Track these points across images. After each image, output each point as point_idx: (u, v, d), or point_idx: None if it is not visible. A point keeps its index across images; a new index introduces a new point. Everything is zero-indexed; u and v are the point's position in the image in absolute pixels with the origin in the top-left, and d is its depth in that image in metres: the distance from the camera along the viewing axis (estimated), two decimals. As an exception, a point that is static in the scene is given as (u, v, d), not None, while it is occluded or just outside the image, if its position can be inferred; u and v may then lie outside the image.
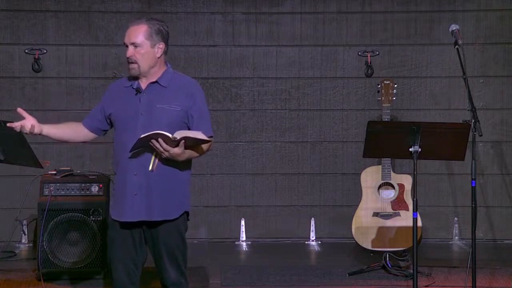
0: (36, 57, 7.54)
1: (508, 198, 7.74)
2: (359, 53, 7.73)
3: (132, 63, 4.40)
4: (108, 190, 6.38)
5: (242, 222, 7.73)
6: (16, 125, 4.38)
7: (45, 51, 7.57)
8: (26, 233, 7.42)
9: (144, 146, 4.30)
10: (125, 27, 7.64)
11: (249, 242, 7.70)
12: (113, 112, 4.46)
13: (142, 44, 4.39)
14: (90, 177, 6.31)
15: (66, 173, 6.35)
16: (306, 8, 7.74)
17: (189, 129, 4.40)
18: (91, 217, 6.16)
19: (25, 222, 7.38)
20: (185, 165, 4.45)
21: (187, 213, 4.53)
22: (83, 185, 6.28)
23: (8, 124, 4.40)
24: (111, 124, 4.53)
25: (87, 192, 6.27)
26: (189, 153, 4.36)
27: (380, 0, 7.73)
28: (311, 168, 7.78)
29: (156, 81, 4.44)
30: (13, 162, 4.86)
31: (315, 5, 7.74)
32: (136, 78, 4.46)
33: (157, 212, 4.39)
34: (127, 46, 4.42)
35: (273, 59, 7.76)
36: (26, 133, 4.41)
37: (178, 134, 4.25)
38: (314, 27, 7.76)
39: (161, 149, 4.26)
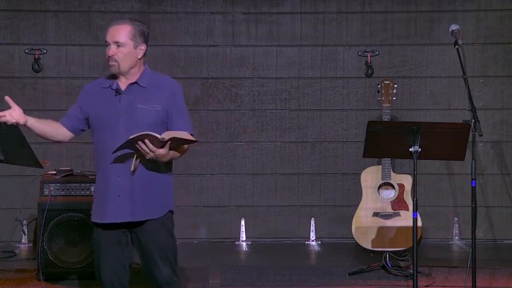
0: (36, 57, 7.54)
1: (508, 198, 7.74)
2: (359, 53, 7.73)
3: (113, 61, 4.37)
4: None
5: (242, 222, 7.73)
6: (2, 114, 4.30)
7: (45, 51, 7.57)
8: (26, 233, 7.42)
9: (129, 147, 4.28)
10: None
11: (249, 242, 7.70)
12: (92, 112, 4.44)
13: (125, 44, 4.37)
14: (90, 177, 6.30)
15: (66, 173, 6.35)
16: (306, 8, 7.74)
17: (167, 128, 4.39)
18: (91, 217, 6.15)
19: (25, 222, 7.38)
20: (167, 165, 4.44)
21: (171, 212, 4.51)
22: (83, 185, 6.28)
23: None
24: (88, 125, 4.52)
25: (87, 192, 6.27)
26: (172, 153, 4.35)
27: (380, 0, 7.73)
28: (311, 168, 7.78)
29: (135, 82, 4.42)
30: (13, 162, 4.85)
31: (315, 5, 7.74)
32: (114, 78, 4.44)
33: (141, 213, 4.37)
34: (108, 45, 4.39)
35: (273, 59, 7.76)
36: (9, 123, 4.32)
37: (166, 135, 4.24)
38: (314, 27, 7.76)
39: (147, 150, 4.24)
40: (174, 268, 4.47)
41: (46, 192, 6.21)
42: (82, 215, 6.16)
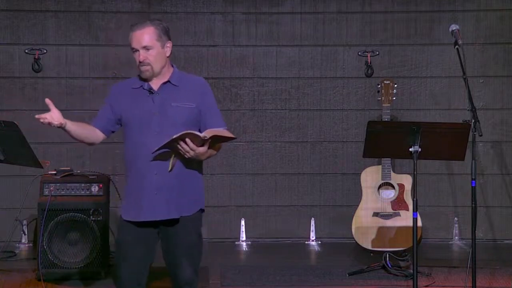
0: (36, 57, 7.54)
1: (508, 198, 7.74)
2: (359, 53, 7.73)
3: (146, 65, 4.40)
4: (108, 190, 6.38)
5: (242, 222, 7.73)
6: (44, 116, 4.33)
7: (45, 51, 7.57)
8: (26, 233, 7.42)
9: (169, 147, 4.29)
10: (125, 27, 7.71)
11: (249, 242, 7.70)
12: (124, 113, 4.44)
13: (153, 46, 4.41)
14: (90, 177, 6.31)
15: (66, 173, 6.35)
16: (306, 8, 7.74)
17: (200, 126, 4.43)
18: (91, 217, 6.16)
19: (25, 222, 7.39)
20: (199, 164, 4.48)
21: (202, 210, 4.57)
22: (83, 185, 6.28)
23: (36, 116, 4.29)
24: (120, 125, 4.52)
25: (87, 192, 6.27)
26: (210, 151, 4.38)
27: (380, 0, 7.73)
28: (311, 168, 7.78)
29: (168, 81, 4.46)
30: (13, 162, 4.86)
31: (315, 5, 7.75)
32: (145, 79, 4.46)
33: (176, 210, 4.40)
34: (135, 51, 4.42)
35: (273, 59, 7.76)
36: (51, 126, 4.33)
37: (207, 133, 4.26)
38: (314, 27, 7.76)
39: (187, 149, 4.26)
40: (197, 269, 4.49)
41: (46, 192, 6.21)
42: (82, 215, 6.16)
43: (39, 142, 7.40)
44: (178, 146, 4.27)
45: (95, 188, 6.27)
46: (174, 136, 4.23)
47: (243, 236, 7.72)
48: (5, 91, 7.58)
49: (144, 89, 4.45)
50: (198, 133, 4.25)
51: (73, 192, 6.25)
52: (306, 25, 7.75)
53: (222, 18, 7.73)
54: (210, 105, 4.51)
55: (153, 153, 4.31)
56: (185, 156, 4.31)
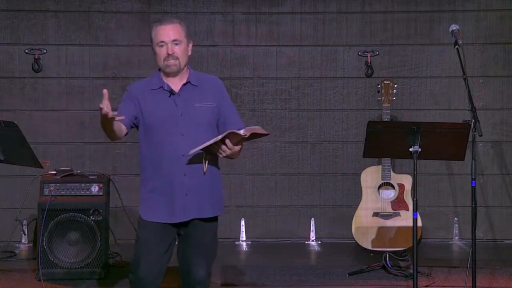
0: (36, 57, 7.54)
1: (508, 198, 7.74)
2: (359, 53, 7.73)
3: (174, 59, 4.40)
4: (108, 190, 6.38)
5: (242, 222, 7.73)
6: (107, 110, 4.11)
7: (45, 51, 7.57)
8: (26, 233, 7.42)
9: (205, 149, 4.30)
10: (125, 27, 7.73)
11: (249, 242, 7.70)
12: (146, 115, 4.41)
13: (182, 41, 4.44)
14: (90, 177, 6.31)
15: (66, 173, 6.35)
16: (306, 8, 7.74)
17: (218, 125, 4.47)
18: (91, 217, 6.16)
19: (25, 222, 7.38)
20: (218, 163, 4.52)
21: None
22: (83, 185, 6.28)
23: (100, 105, 4.07)
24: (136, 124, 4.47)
25: (87, 192, 6.27)
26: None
27: (380, 0, 7.73)
28: (311, 168, 7.78)
29: (188, 81, 4.46)
30: (13, 162, 4.86)
31: (315, 5, 7.74)
32: (165, 77, 4.43)
33: (208, 209, 4.43)
34: (161, 46, 4.40)
35: (273, 59, 7.76)
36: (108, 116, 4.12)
37: (247, 131, 4.29)
38: (314, 27, 7.76)
39: (225, 148, 4.29)
40: (210, 269, 4.51)
41: (46, 192, 6.21)
42: (82, 215, 6.16)
43: (39, 142, 7.40)
44: (217, 146, 4.28)
45: (95, 188, 6.27)
46: (219, 137, 4.26)
47: (243, 236, 7.72)
48: (5, 91, 7.58)
49: (164, 90, 4.43)
50: (239, 131, 4.27)
51: (73, 192, 6.25)
52: (306, 25, 7.75)
53: (222, 18, 7.73)
54: (228, 103, 4.56)
55: (189, 156, 4.31)
56: (221, 155, 4.34)
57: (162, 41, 4.41)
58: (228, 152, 4.32)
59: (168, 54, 4.40)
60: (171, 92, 4.43)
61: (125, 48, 7.56)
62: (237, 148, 4.34)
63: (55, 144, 7.57)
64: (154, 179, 4.42)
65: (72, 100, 7.63)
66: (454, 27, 5.43)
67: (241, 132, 4.27)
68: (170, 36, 4.41)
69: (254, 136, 4.36)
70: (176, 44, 4.42)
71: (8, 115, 7.33)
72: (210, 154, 4.37)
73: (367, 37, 7.75)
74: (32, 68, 7.55)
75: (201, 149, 4.30)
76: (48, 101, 7.60)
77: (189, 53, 4.51)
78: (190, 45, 4.53)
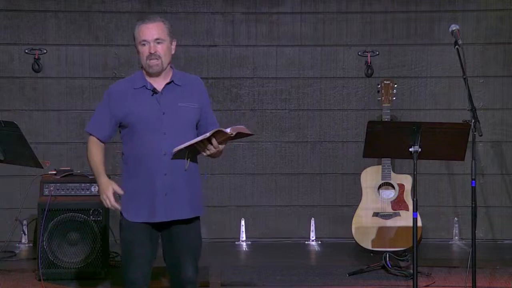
0: (36, 57, 7.54)
1: (508, 198, 7.74)
2: (359, 53, 7.73)
3: (156, 59, 4.36)
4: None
5: (242, 222, 7.73)
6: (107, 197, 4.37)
7: (45, 51, 7.57)
8: (26, 233, 7.42)
9: (192, 145, 4.30)
10: (125, 27, 7.72)
11: (249, 242, 7.70)
12: (127, 114, 4.39)
13: (165, 40, 4.39)
14: (90, 177, 6.30)
15: (66, 173, 6.35)
16: (306, 8, 7.74)
17: (197, 125, 4.46)
18: (91, 217, 6.16)
19: (25, 222, 7.39)
20: (197, 163, 4.50)
21: None
22: (83, 185, 6.29)
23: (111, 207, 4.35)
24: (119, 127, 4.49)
25: (87, 192, 6.27)
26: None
27: (380, 0, 7.73)
28: (311, 168, 7.78)
29: (171, 81, 4.44)
30: (13, 162, 4.86)
31: (315, 5, 7.75)
32: (148, 76, 4.42)
33: (188, 210, 4.41)
34: (144, 44, 4.37)
35: (273, 59, 7.76)
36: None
37: (233, 130, 4.29)
38: (314, 27, 7.76)
39: (211, 146, 4.29)
40: (197, 268, 4.49)
41: (46, 192, 6.21)
42: (82, 215, 6.16)
43: (39, 142, 7.40)
44: (202, 145, 4.28)
45: (95, 188, 6.27)
46: (207, 135, 4.26)
47: (243, 236, 7.72)
48: (5, 91, 7.58)
49: (147, 89, 4.42)
50: (226, 130, 4.27)
51: (73, 192, 6.25)
52: (306, 25, 7.75)
53: (222, 18, 7.73)
54: (208, 105, 4.56)
55: (173, 152, 4.30)
56: (205, 153, 4.33)
57: (144, 40, 4.37)
58: (213, 150, 4.31)
59: (150, 53, 4.36)
60: (154, 91, 4.41)
61: (125, 48, 7.56)
62: (221, 147, 4.34)
63: (55, 144, 7.57)
64: (135, 178, 4.41)
65: (72, 100, 7.63)
66: (454, 27, 5.42)
67: (228, 130, 4.26)
68: (152, 35, 4.37)
69: (239, 135, 4.36)
70: (159, 43, 4.37)
71: (8, 115, 7.33)
72: (193, 152, 4.36)
73: (367, 37, 7.75)
74: (32, 68, 7.55)
75: (186, 147, 4.29)
76: (48, 101, 7.60)
77: (173, 52, 4.46)
78: (174, 43, 4.47)
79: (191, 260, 4.44)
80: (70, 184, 6.27)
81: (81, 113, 7.60)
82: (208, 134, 4.26)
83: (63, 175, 6.32)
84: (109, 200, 4.34)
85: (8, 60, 7.57)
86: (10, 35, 7.56)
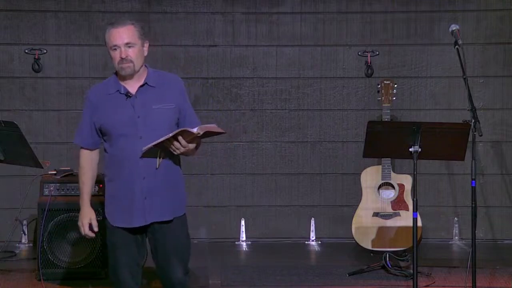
0: (36, 57, 7.54)
1: (508, 198, 7.74)
2: (359, 53, 7.73)
3: (128, 63, 4.35)
4: (108, 190, 6.38)
5: (242, 222, 7.73)
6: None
7: (45, 51, 7.57)
8: (26, 233, 7.42)
9: (157, 145, 4.28)
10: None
11: (249, 242, 7.70)
12: (104, 121, 4.39)
13: (136, 43, 4.37)
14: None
15: (66, 173, 6.35)
16: (306, 8, 7.74)
17: (177, 125, 4.41)
18: (91, 217, 6.15)
19: (25, 222, 7.39)
20: (179, 161, 4.48)
21: None
22: (83, 185, 6.27)
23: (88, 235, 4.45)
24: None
25: (87, 192, 6.25)
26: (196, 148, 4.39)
27: (380, 0, 7.73)
28: (311, 168, 7.78)
29: (145, 83, 4.41)
30: (13, 162, 4.86)
31: (315, 5, 7.75)
32: (117, 82, 4.41)
33: (168, 212, 4.40)
34: (114, 49, 4.36)
35: (273, 59, 7.76)
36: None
37: (200, 129, 4.27)
38: (314, 27, 7.76)
39: (179, 146, 4.26)
40: (187, 268, 4.49)
41: (46, 192, 6.21)
42: (82, 215, 6.15)
43: (39, 142, 7.40)
44: (170, 144, 4.27)
45: (95, 188, 6.25)
46: (170, 135, 4.23)
47: (243, 236, 7.72)
48: (5, 91, 7.58)
49: (120, 93, 4.39)
50: (192, 130, 4.25)
51: (73, 192, 6.25)
52: (306, 25, 7.75)
53: (222, 18, 7.73)
54: (187, 103, 4.51)
55: (142, 152, 4.29)
56: (175, 153, 4.31)
57: (115, 45, 4.36)
58: (182, 149, 4.28)
59: (122, 58, 4.35)
60: (127, 95, 4.39)
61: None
62: (191, 146, 4.30)
63: (55, 144, 7.57)
64: (115, 182, 4.41)
65: (72, 100, 7.63)
66: (454, 27, 5.42)
67: (194, 130, 4.24)
68: (123, 39, 4.35)
69: (209, 134, 4.35)
70: (130, 47, 4.35)
71: (8, 115, 7.33)
72: (165, 151, 4.34)
73: (367, 37, 7.75)
74: (32, 68, 7.55)
75: (155, 146, 4.27)
76: (48, 101, 7.60)
77: (145, 54, 4.43)
78: (146, 45, 4.44)
79: (179, 261, 4.43)
80: (70, 184, 6.27)
81: (81, 113, 7.57)
82: (171, 134, 4.23)
83: (63, 175, 6.32)
84: (84, 229, 4.45)
85: (8, 60, 7.57)
86: (10, 35, 7.56)
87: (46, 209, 6.10)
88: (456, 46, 5.33)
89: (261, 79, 7.76)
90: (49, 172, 6.38)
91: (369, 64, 7.69)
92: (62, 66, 7.62)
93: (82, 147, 4.51)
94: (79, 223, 4.45)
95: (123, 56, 4.35)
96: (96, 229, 4.45)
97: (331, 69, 7.77)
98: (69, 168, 6.47)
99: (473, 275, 5.16)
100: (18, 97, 7.58)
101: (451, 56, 7.35)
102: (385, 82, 6.79)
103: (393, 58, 7.76)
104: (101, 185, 6.25)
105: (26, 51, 7.56)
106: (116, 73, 4.45)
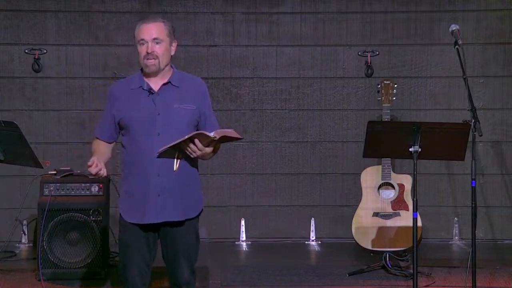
0: (36, 57, 7.54)
1: (508, 198, 7.74)
2: (359, 53, 7.73)
3: (153, 58, 4.35)
4: (108, 190, 6.38)
5: (242, 222, 7.73)
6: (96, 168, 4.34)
7: (45, 51, 7.58)
8: (26, 233, 7.42)
9: (175, 147, 4.28)
10: (125, 27, 7.72)
11: (249, 242, 7.70)
12: (124, 115, 4.39)
13: (163, 40, 4.37)
14: (90, 177, 6.30)
15: (66, 173, 6.35)
16: (306, 8, 7.75)
17: (197, 128, 4.42)
18: (91, 217, 6.16)
19: (25, 222, 7.39)
20: (197, 163, 4.48)
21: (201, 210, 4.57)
22: (83, 185, 6.28)
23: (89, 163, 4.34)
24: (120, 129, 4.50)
25: (87, 192, 6.27)
26: (213, 152, 4.38)
27: (380, 0, 7.73)
28: (311, 168, 7.78)
29: (168, 82, 4.42)
30: (13, 162, 4.86)
31: (315, 5, 7.75)
32: (145, 77, 4.42)
33: (179, 212, 4.40)
34: (142, 44, 4.36)
35: (273, 59, 7.76)
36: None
37: (217, 134, 4.26)
38: (314, 27, 7.76)
39: (195, 149, 4.26)
40: (194, 269, 4.49)
41: (46, 192, 6.21)
42: (82, 215, 6.16)
43: (39, 142, 7.40)
44: (186, 146, 4.27)
45: (95, 188, 6.27)
46: (186, 137, 4.23)
47: (243, 236, 7.72)
48: (5, 91, 7.58)
49: (143, 89, 4.40)
50: (208, 133, 4.24)
51: (73, 192, 6.25)
52: (306, 25, 7.75)
53: (222, 18, 7.73)
54: (209, 107, 4.53)
55: (158, 153, 4.30)
56: (191, 156, 4.31)
57: (142, 39, 4.36)
58: (198, 152, 4.28)
59: (147, 53, 4.35)
60: (150, 91, 4.40)
61: (125, 48, 7.56)
62: (208, 149, 4.30)
63: (55, 144, 7.57)
64: (130, 178, 4.41)
65: (72, 100, 7.63)
66: (454, 27, 5.42)
67: (211, 134, 4.24)
68: (151, 34, 4.35)
69: (226, 139, 4.34)
70: (157, 43, 4.36)
71: (8, 115, 7.33)
72: (183, 153, 4.34)
73: (367, 37, 7.75)
74: (32, 68, 7.55)
75: (172, 148, 4.27)
76: (48, 101, 7.60)
77: (172, 53, 4.45)
78: (174, 44, 4.46)
79: (186, 262, 4.43)
80: (70, 184, 6.27)
81: (81, 113, 7.60)
82: (186, 136, 4.23)
83: (63, 175, 6.32)
84: (92, 166, 4.33)
85: (8, 60, 7.57)
86: (10, 35, 7.56)
87: (46, 209, 6.11)
88: (456, 46, 5.33)
89: (261, 79, 7.76)
90: (49, 172, 6.38)
91: (369, 64, 7.69)
92: (62, 66, 7.62)
93: (97, 137, 4.54)
94: (89, 163, 4.34)
95: (149, 50, 4.34)
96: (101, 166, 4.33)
97: (331, 69, 7.77)
98: (69, 168, 6.48)
99: (473, 275, 5.16)
100: (18, 97, 7.58)
101: (451, 56, 7.35)
102: (385, 82, 6.79)
103: (393, 58, 7.76)
104: (101, 185, 6.28)
105: (26, 51, 7.56)
106: (142, 70, 4.46)
